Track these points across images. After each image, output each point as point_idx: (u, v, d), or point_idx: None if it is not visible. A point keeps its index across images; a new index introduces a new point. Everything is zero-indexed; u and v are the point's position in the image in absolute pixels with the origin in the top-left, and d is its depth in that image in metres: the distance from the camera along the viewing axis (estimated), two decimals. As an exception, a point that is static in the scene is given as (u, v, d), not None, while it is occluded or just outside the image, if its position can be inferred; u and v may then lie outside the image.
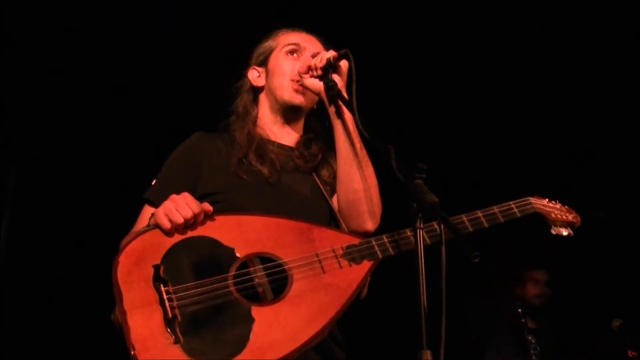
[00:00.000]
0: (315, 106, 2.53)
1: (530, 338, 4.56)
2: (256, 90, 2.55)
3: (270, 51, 2.53)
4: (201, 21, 4.64)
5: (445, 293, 1.69)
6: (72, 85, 4.66)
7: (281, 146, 2.43)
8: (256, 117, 2.49)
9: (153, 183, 2.33)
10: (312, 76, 2.29)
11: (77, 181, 4.79)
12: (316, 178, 2.40)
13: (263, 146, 2.37)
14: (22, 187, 4.81)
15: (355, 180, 2.22)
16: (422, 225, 1.76)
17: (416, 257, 1.72)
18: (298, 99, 2.42)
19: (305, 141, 2.47)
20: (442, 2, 4.82)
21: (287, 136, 2.48)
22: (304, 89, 2.39)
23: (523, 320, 4.61)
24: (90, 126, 4.79)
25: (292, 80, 2.42)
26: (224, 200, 2.22)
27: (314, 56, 2.38)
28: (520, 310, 4.63)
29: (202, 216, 2.05)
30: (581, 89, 5.08)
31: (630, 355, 4.28)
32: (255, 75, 2.54)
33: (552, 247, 4.57)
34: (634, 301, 4.73)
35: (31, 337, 4.63)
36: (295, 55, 2.48)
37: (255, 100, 2.54)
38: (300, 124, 2.53)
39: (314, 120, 2.54)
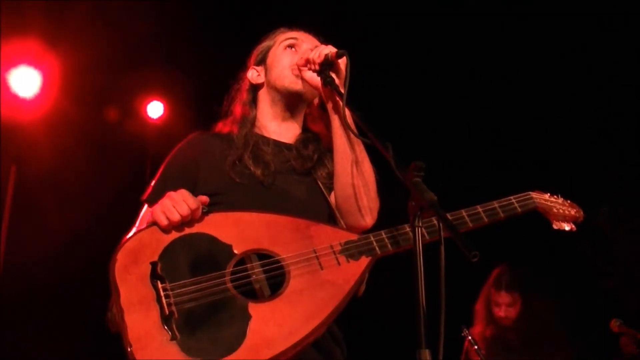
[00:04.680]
0: (317, 105, 2.53)
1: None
2: (255, 89, 2.53)
3: (268, 49, 2.53)
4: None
5: (445, 292, 1.67)
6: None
7: (278, 144, 2.41)
8: (255, 118, 2.48)
9: (151, 184, 2.32)
10: (310, 69, 2.28)
11: (76, 181, 4.79)
12: (315, 177, 2.38)
13: (259, 148, 2.36)
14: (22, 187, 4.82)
15: (353, 175, 2.20)
16: (420, 224, 1.74)
17: (415, 256, 1.70)
18: (298, 85, 2.39)
19: (303, 140, 2.45)
20: (441, 1, 4.83)
21: (286, 132, 2.46)
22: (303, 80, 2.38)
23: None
24: (89, 126, 4.79)
25: (291, 69, 2.41)
26: (220, 201, 2.20)
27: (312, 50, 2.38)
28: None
29: (199, 212, 2.04)
30: (582, 82, 5.07)
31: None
32: (254, 75, 2.53)
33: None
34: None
35: (29, 335, 4.63)
36: (293, 49, 2.47)
37: (255, 100, 2.52)
38: (300, 118, 2.51)
39: (317, 121, 2.53)
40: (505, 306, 4.54)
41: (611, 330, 4.33)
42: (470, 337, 4.33)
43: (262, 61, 2.53)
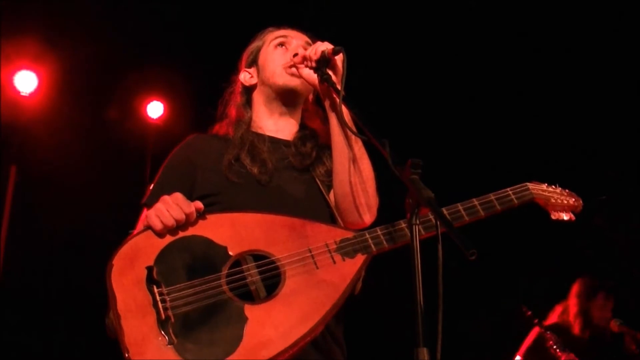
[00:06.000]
0: (313, 101, 2.52)
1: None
2: (249, 91, 2.52)
3: (258, 50, 2.52)
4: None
5: (442, 290, 1.66)
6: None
7: (276, 140, 2.41)
8: (250, 119, 2.47)
9: (150, 188, 2.32)
10: (307, 66, 2.27)
11: (76, 181, 4.80)
12: (313, 175, 2.37)
13: (255, 146, 2.35)
14: (22, 187, 4.82)
15: (350, 172, 2.19)
16: (417, 222, 1.73)
17: (412, 254, 1.69)
18: (294, 82, 2.38)
19: (301, 137, 2.44)
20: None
21: (284, 129, 2.46)
22: (299, 76, 2.37)
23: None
24: (89, 126, 4.80)
25: (284, 67, 2.40)
26: (218, 201, 2.20)
27: (304, 48, 2.37)
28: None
29: (194, 215, 2.03)
30: (584, 77, 5.06)
31: None
32: (247, 77, 2.52)
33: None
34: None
35: (29, 335, 4.63)
36: (284, 47, 2.47)
37: (249, 102, 2.51)
38: (298, 115, 2.50)
39: (313, 118, 2.52)
40: (605, 308, 4.59)
41: (611, 330, 4.33)
42: (536, 319, 4.29)
43: (253, 62, 2.53)
